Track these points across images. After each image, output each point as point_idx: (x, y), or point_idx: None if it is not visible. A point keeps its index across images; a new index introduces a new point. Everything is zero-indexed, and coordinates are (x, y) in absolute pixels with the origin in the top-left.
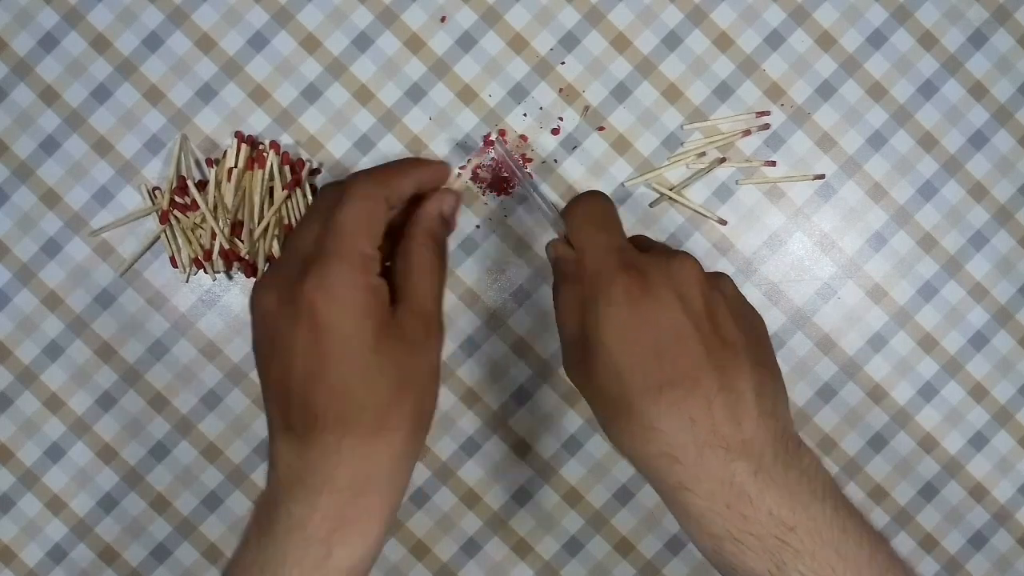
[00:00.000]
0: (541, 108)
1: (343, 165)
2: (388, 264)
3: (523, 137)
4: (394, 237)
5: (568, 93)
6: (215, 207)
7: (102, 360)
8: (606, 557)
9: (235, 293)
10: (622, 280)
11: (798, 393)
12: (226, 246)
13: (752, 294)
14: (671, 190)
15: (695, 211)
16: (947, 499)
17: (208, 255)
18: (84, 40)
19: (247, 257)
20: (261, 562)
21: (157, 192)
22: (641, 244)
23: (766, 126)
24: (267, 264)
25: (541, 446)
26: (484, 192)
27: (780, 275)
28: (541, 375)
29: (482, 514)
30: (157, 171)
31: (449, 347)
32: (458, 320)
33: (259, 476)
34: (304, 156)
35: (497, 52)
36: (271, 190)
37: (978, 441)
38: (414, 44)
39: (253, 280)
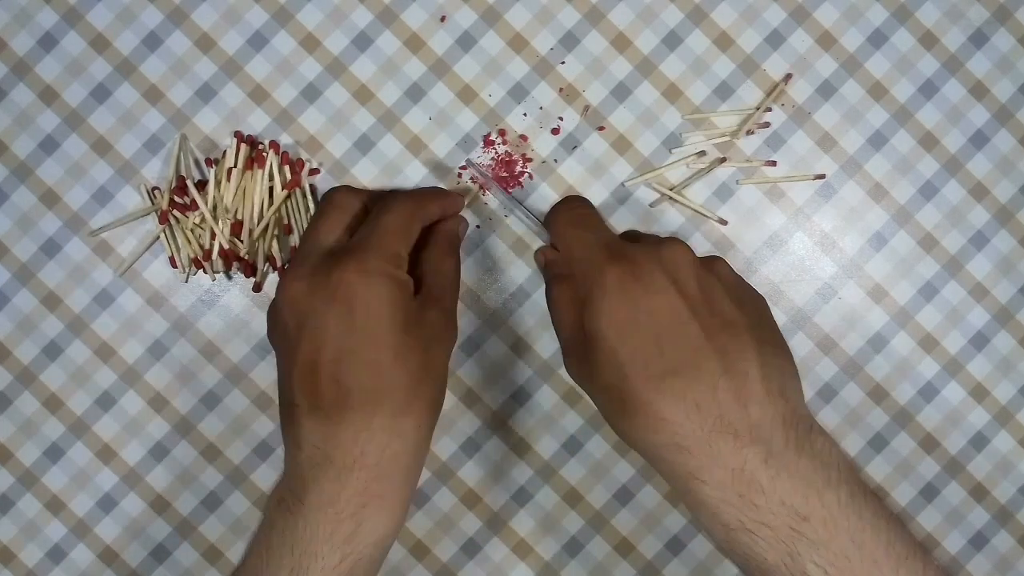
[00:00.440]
0: (541, 108)
1: (343, 165)
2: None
3: (523, 137)
4: (415, 254)
5: (568, 93)
6: (214, 207)
7: (101, 360)
8: (606, 558)
9: (235, 293)
10: (613, 271)
11: None
12: (225, 246)
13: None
14: (671, 190)
15: (695, 211)
16: (948, 499)
17: (207, 255)
18: (83, 40)
19: (246, 257)
20: (292, 541)
21: (156, 192)
22: (631, 237)
23: (766, 124)
24: (267, 264)
25: (541, 446)
26: (484, 192)
27: (780, 275)
28: (541, 375)
29: (482, 514)
30: (156, 171)
31: None
32: (458, 320)
33: (259, 476)
34: (304, 156)
35: (497, 52)
36: (271, 190)
37: (979, 441)
38: (414, 44)
39: (253, 280)
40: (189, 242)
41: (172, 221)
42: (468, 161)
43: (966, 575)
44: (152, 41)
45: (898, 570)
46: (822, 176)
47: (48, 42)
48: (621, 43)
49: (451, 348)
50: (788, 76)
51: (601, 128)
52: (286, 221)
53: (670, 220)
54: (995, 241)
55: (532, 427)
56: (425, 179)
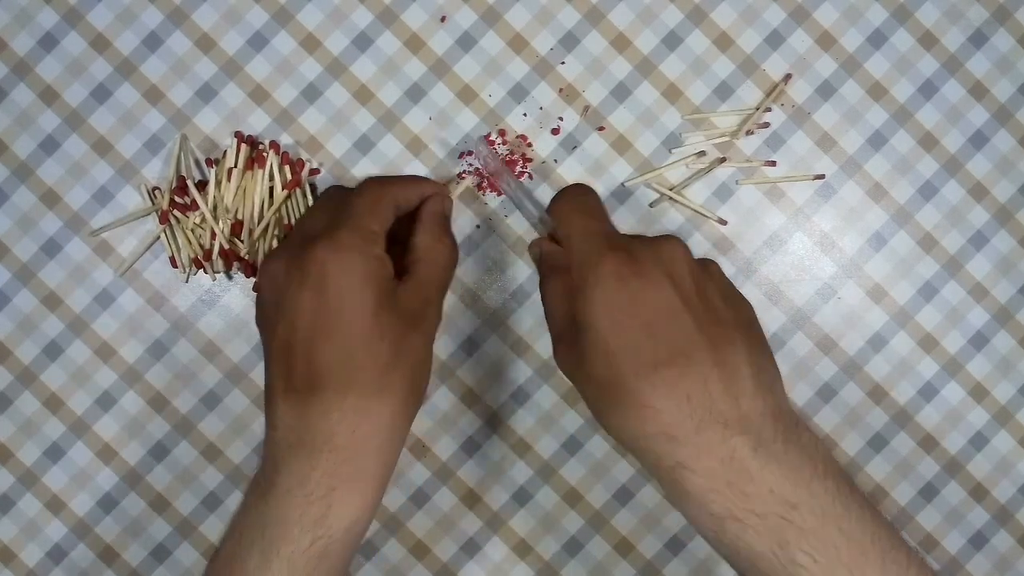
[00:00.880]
0: (541, 108)
1: (343, 165)
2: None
3: (523, 137)
4: (406, 240)
5: (568, 93)
6: (215, 207)
7: (102, 360)
8: (606, 557)
9: (235, 293)
10: (611, 261)
11: (798, 393)
12: (226, 246)
13: (752, 294)
14: (671, 190)
15: (695, 211)
16: (947, 499)
17: (208, 255)
18: (84, 40)
19: (247, 257)
20: (262, 523)
21: (157, 192)
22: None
23: (766, 125)
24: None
25: (541, 446)
26: (484, 192)
27: (780, 275)
28: (541, 375)
29: (482, 514)
30: (157, 171)
31: (449, 347)
32: (458, 320)
33: None
34: (304, 156)
35: (497, 52)
36: (271, 190)
37: (978, 441)
38: (414, 44)
39: (253, 280)
40: (189, 242)
41: (172, 221)
42: (478, 142)
43: (966, 575)
44: (152, 41)
45: (883, 560)
46: (822, 176)
47: (49, 42)
48: (621, 43)
49: (432, 335)
50: (788, 76)
51: (601, 128)
52: (286, 221)
53: (670, 220)
54: (995, 241)
55: (532, 427)
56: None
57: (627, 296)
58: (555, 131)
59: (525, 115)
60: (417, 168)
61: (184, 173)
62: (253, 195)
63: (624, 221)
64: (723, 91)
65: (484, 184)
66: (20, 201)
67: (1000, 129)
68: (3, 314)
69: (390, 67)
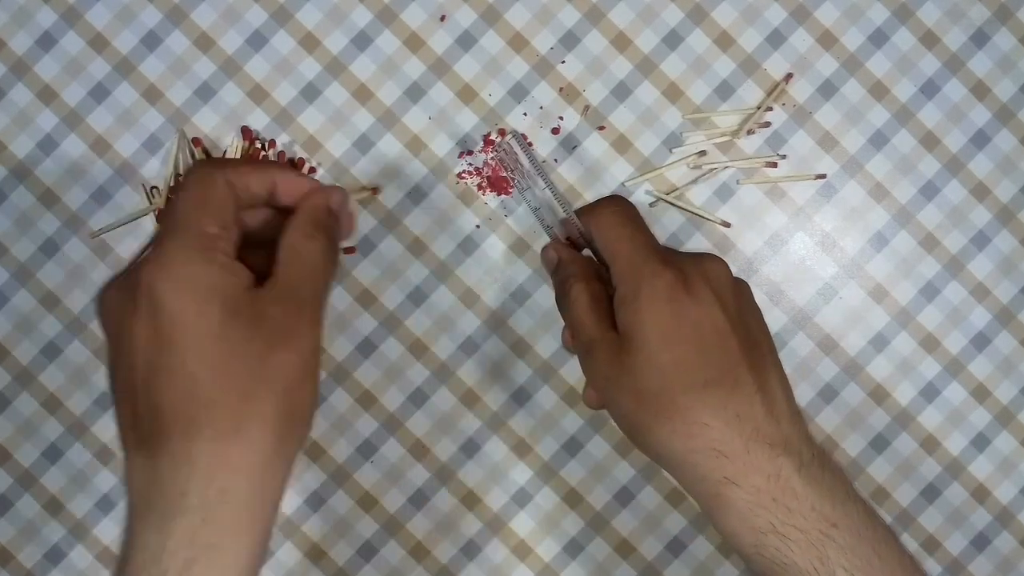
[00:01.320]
0: (541, 107)
1: (342, 164)
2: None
3: (523, 136)
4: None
5: (568, 92)
6: None
7: (100, 361)
8: (607, 559)
9: None
10: (666, 278)
11: (800, 394)
12: None
13: (754, 294)
14: (672, 191)
15: (697, 215)
16: (949, 500)
17: None
18: (82, 39)
19: None
20: None
21: (155, 191)
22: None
23: (767, 124)
24: None
25: (541, 447)
26: (484, 192)
27: (781, 275)
28: (541, 375)
29: (482, 516)
30: (156, 170)
31: (449, 347)
32: (458, 320)
33: None
34: (303, 155)
35: (497, 51)
36: None
37: (980, 442)
38: (413, 43)
39: None
40: None
41: None
42: (512, 134)
43: None
44: (151, 40)
45: None
46: (823, 176)
47: (47, 41)
48: (621, 42)
49: (309, 351)
50: (789, 75)
51: (601, 128)
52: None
53: (671, 220)
54: (996, 241)
55: (532, 428)
56: (425, 179)
57: (680, 313)
58: (555, 131)
59: (525, 114)
60: (417, 168)
61: (183, 170)
62: None
63: None
64: (724, 90)
65: (484, 184)
66: (18, 201)
67: (1002, 129)
68: (1, 314)
69: (389, 66)
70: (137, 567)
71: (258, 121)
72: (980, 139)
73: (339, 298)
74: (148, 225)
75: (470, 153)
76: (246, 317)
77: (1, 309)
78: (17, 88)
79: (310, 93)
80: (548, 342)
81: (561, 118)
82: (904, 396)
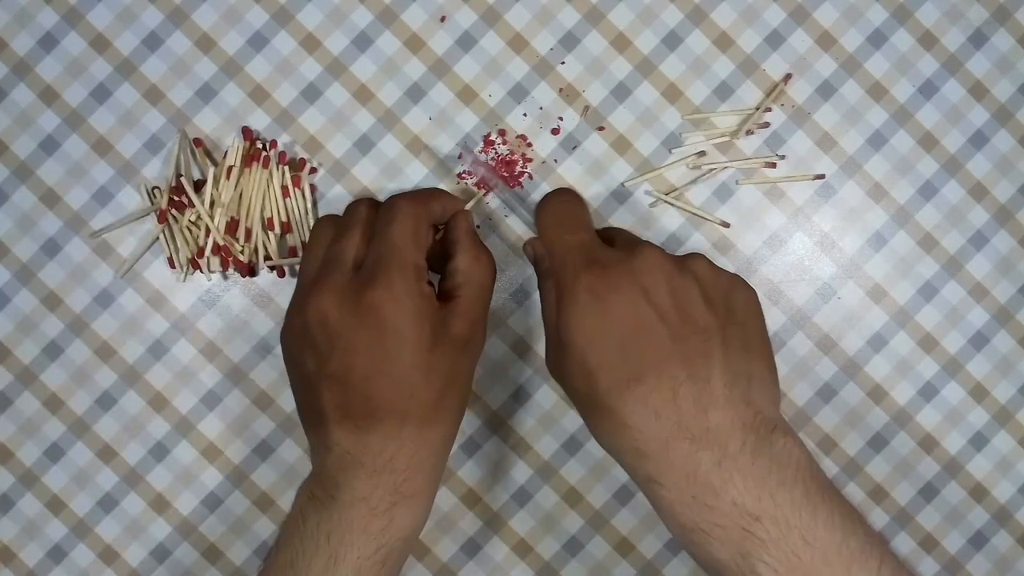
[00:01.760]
0: (541, 108)
1: (343, 165)
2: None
3: (523, 137)
4: (443, 263)
5: (568, 93)
6: (211, 203)
7: (101, 360)
8: (606, 557)
9: (235, 293)
10: (585, 279)
11: (798, 393)
12: (220, 242)
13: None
14: (672, 192)
15: (696, 215)
16: (947, 499)
17: (201, 252)
18: (84, 40)
19: (241, 257)
20: (327, 530)
21: (156, 191)
22: (609, 237)
23: (766, 125)
24: (265, 264)
25: (541, 446)
26: (485, 192)
27: (780, 275)
28: (541, 375)
29: (482, 514)
30: (157, 171)
31: None
32: None
33: (259, 476)
34: (304, 156)
35: (497, 52)
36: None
37: (978, 441)
38: (414, 44)
39: (251, 280)
40: (187, 241)
41: (171, 220)
42: (466, 152)
43: (966, 575)
44: (152, 41)
45: (850, 567)
46: (822, 176)
47: (48, 42)
48: (621, 43)
49: (478, 355)
50: (788, 76)
51: (601, 128)
52: (285, 219)
53: (670, 220)
54: (995, 241)
55: (532, 427)
56: (425, 179)
57: (601, 313)
58: (555, 131)
59: (525, 115)
60: (417, 168)
61: (184, 170)
62: (251, 194)
63: (624, 221)
64: (723, 91)
65: (483, 184)
66: (20, 201)
67: (1000, 129)
68: (3, 314)
69: (390, 67)
70: (347, 501)
71: (259, 122)
72: (978, 139)
73: None
74: (149, 225)
75: (459, 157)
76: (441, 333)
77: (3, 309)
78: (19, 89)
79: (311, 94)
80: None
81: (561, 119)
82: (902, 395)
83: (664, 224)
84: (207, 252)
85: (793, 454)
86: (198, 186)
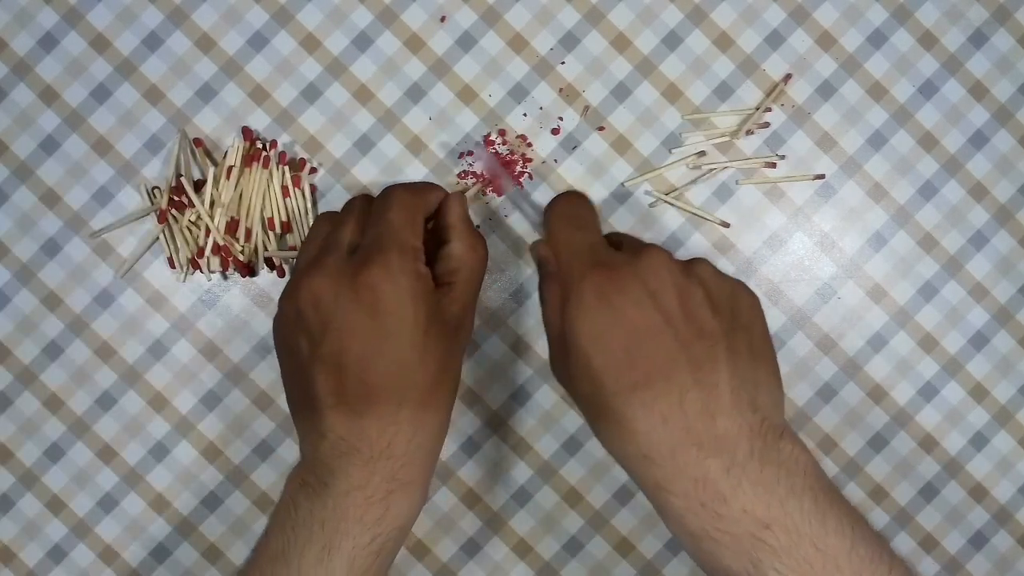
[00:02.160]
0: (541, 108)
1: (343, 165)
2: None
3: (523, 137)
4: (437, 248)
5: (568, 93)
6: (211, 203)
7: (101, 360)
8: (606, 557)
9: (235, 293)
10: (592, 280)
11: (798, 393)
12: (220, 242)
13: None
14: (672, 192)
15: (696, 215)
16: (947, 499)
17: (201, 252)
18: (84, 40)
19: (241, 257)
20: (320, 520)
21: (157, 191)
22: (616, 243)
23: (766, 125)
24: (264, 264)
25: (541, 446)
26: (485, 192)
27: (780, 275)
28: (541, 375)
29: (482, 514)
30: (157, 171)
31: None
32: None
33: (259, 476)
34: (304, 156)
35: (497, 52)
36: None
37: (978, 441)
38: (414, 44)
39: (251, 280)
40: (187, 241)
41: (170, 220)
42: (476, 146)
43: (966, 575)
44: (152, 41)
45: (861, 574)
46: (822, 176)
47: (48, 42)
48: (621, 43)
49: (467, 342)
50: (788, 76)
51: (601, 128)
52: (285, 219)
53: (670, 220)
54: (995, 241)
55: (532, 427)
56: (425, 179)
57: (608, 315)
58: (555, 131)
59: (525, 115)
60: (417, 168)
61: (184, 170)
62: (251, 194)
63: (624, 221)
64: (723, 91)
65: (484, 184)
66: (20, 201)
67: (1000, 129)
68: (3, 314)
69: (390, 67)
70: (342, 490)
71: (259, 122)
72: (978, 139)
73: None
74: (149, 225)
75: (470, 153)
76: (436, 315)
77: (3, 309)
78: (19, 89)
79: (311, 94)
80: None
81: (561, 119)
82: (902, 395)
83: (664, 224)
84: (207, 252)
85: (800, 460)
86: (198, 186)
